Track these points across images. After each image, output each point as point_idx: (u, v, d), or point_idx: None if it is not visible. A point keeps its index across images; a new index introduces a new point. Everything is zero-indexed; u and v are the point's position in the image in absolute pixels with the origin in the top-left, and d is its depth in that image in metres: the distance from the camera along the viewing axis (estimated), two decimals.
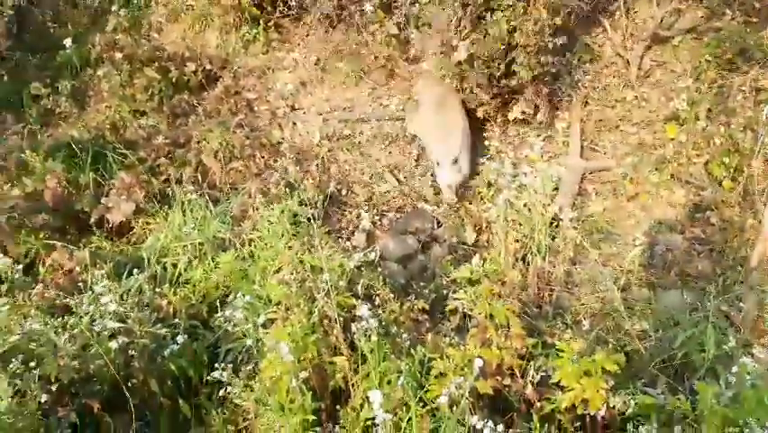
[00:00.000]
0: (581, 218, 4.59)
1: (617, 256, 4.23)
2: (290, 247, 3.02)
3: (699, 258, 4.19)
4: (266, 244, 3.27)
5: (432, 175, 5.03)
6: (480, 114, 5.27)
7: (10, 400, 2.14)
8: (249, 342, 2.57)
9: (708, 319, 2.83)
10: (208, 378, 2.53)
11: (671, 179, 4.86)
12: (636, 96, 5.59)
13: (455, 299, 2.74)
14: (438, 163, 4.70)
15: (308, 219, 3.16)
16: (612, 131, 5.41)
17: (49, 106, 5.33)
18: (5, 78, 5.59)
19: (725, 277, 3.83)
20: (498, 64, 4.91)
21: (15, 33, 5.88)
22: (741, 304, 3.43)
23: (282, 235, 3.24)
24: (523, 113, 5.25)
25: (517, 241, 4.07)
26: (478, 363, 2.17)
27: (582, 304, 3.75)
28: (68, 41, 5.68)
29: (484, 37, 4.80)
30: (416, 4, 5.47)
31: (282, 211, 3.37)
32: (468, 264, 3.16)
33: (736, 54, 5.41)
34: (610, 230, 4.53)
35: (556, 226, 4.36)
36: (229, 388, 2.45)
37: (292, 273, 2.71)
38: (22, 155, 4.22)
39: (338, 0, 5.96)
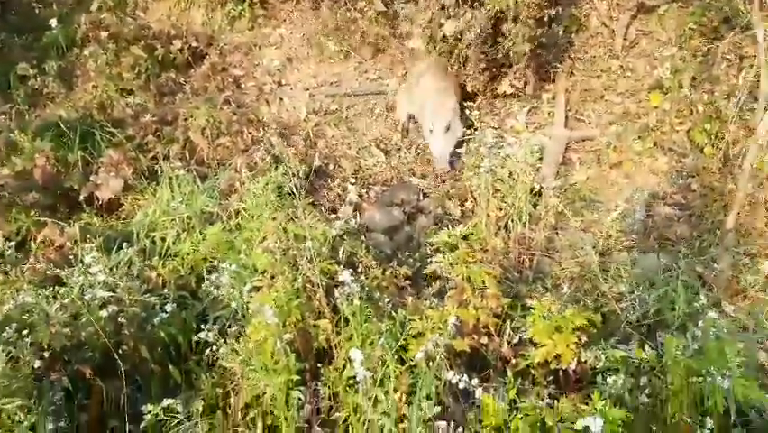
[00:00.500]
0: (564, 187, 4.67)
1: (597, 223, 4.32)
2: (275, 218, 3.09)
3: (678, 223, 4.28)
4: (251, 216, 3.34)
5: (417, 150, 5.09)
6: (469, 88, 5.31)
7: (4, 365, 2.24)
8: (234, 305, 2.66)
9: (679, 278, 2.92)
10: (196, 340, 2.62)
11: (654, 147, 4.94)
12: (622, 66, 5.64)
13: (434, 262, 2.82)
14: (431, 130, 4.72)
15: (292, 191, 3.22)
16: (597, 101, 5.47)
17: (36, 87, 5.34)
18: None
19: (701, 240, 3.92)
20: (487, 39, 4.95)
21: (0, 15, 5.86)
22: (716, 265, 3.53)
23: (267, 206, 3.31)
24: (512, 86, 5.30)
25: (500, 209, 4.15)
26: (452, 320, 2.27)
27: (563, 269, 3.85)
28: (53, 22, 5.68)
29: (476, 8, 4.80)
30: None
31: (267, 183, 3.44)
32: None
33: (721, 22, 5.44)
34: (593, 198, 4.61)
35: (539, 195, 4.45)
36: (215, 348, 2.54)
37: (276, 242, 2.79)
38: (11, 135, 4.26)
39: None
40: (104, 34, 5.50)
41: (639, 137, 4.99)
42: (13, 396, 2.15)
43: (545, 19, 4.92)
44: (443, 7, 4.93)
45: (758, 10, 3.74)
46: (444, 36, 4.96)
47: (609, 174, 4.86)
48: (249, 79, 5.91)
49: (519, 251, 3.95)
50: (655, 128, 5.01)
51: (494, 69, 5.29)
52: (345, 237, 3.04)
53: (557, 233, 4.26)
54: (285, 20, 6.42)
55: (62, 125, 4.57)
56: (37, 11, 6.16)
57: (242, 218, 3.45)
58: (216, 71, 5.81)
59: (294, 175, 3.74)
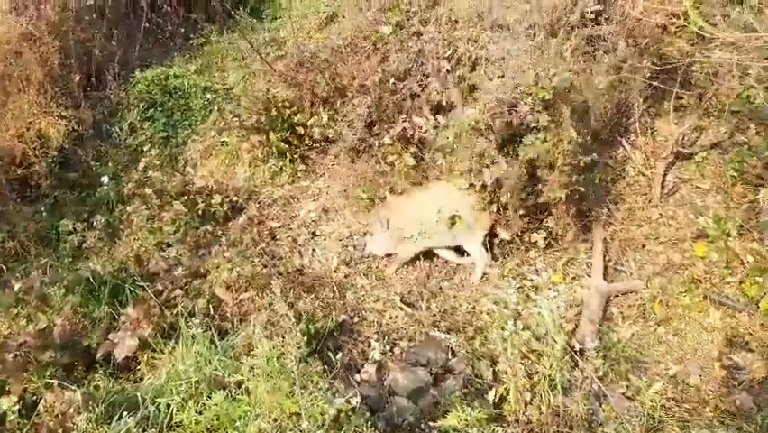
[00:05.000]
0: (607, 346, 4.30)
1: (646, 389, 3.88)
2: (279, 388, 2.89)
3: (737, 390, 3.81)
4: (255, 386, 3.15)
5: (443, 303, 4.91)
6: (507, 236, 5.18)
7: None
8: None
9: None
10: None
11: (703, 300, 4.58)
12: (662, 215, 5.42)
13: None
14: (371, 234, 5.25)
15: (300, 360, 3.04)
16: (638, 250, 5.21)
17: (81, 241, 5.55)
18: (44, 214, 5.91)
19: (764, 413, 3.43)
20: (526, 186, 4.91)
21: (57, 172, 6.25)
22: None
23: (267, 377, 3.12)
24: (550, 233, 5.15)
25: (534, 373, 3.80)
26: None
27: None
28: (105, 179, 6.04)
29: (513, 157, 4.86)
30: (434, 132, 5.64)
31: (272, 348, 3.27)
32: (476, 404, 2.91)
33: (764, 167, 5.24)
34: (639, 358, 4.22)
35: (580, 355, 4.08)
36: None
37: (271, 421, 2.57)
38: (44, 289, 4.34)
39: (360, 133, 6.14)
40: (148, 191, 5.77)
41: (686, 290, 4.66)
42: None
43: (581, 165, 4.84)
44: (481, 155, 4.95)
45: None
46: (483, 185, 4.93)
47: (656, 331, 4.48)
48: (285, 231, 5.98)
49: (557, 424, 3.54)
50: (704, 280, 4.68)
51: (532, 216, 5.17)
52: (350, 414, 2.77)
53: (600, 401, 3.83)
54: (323, 174, 6.60)
55: (93, 280, 4.64)
56: (94, 168, 6.54)
57: (245, 389, 3.26)
58: (253, 224, 5.92)
59: (315, 337, 3.55)
